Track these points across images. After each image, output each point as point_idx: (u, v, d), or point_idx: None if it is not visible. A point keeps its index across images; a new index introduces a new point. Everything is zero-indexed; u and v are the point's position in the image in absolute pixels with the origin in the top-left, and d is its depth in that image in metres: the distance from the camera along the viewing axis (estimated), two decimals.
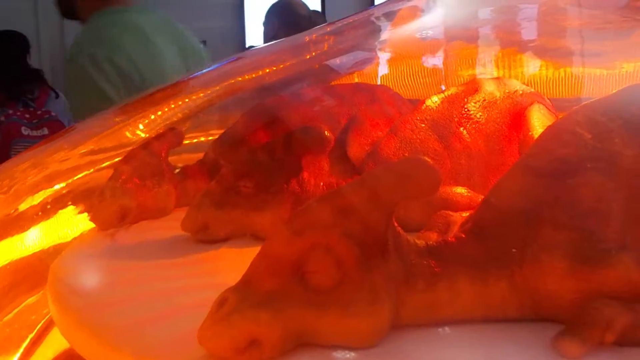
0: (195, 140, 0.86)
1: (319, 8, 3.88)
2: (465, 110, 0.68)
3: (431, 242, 0.41)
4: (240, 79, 0.81)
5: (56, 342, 0.61)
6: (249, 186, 0.60)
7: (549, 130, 0.45)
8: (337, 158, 0.67)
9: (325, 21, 2.50)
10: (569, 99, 0.84)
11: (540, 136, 0.45)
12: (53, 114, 2.81)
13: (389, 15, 0.82)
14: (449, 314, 0.39)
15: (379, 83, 0.89)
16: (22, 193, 0.72)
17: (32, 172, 0.75)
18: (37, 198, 0.71)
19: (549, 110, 0.74)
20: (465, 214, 0.50)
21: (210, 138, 0.84)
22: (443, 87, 0.77)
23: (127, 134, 0.79)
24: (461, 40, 0.83)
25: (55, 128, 2.68)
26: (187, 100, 0.82)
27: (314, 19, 2.42)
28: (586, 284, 0.38)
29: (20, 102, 2.80)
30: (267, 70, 0.83)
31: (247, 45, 3.93)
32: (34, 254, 0.69)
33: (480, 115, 0.68)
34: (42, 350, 0.62)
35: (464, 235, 0.42)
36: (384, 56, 0.87)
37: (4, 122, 2.70)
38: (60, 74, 3.61)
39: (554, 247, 0.39)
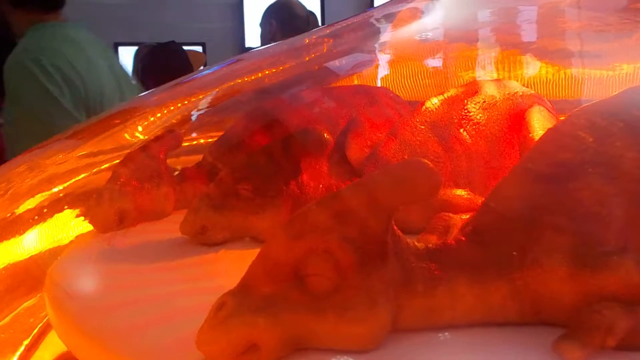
0: (194, 143, 0.85)
1: (318, 10, 3.88)
2: (465, 111, 0.67)
3: (431, 245, 0.41)
4: (239, 80, 0.81)
5: (53, 345, 0.61)
6: (247, 189, 0.60)
7: (549, 134, 0.45)
8: (336, 160, 0.67)
9: (317, 22, 2.50)
10: (569, 100, 0.84)
11: (540, 139, 0.45)
12: None
13: (389, 17, 0.82)
14: (449, 318, 0.39)
15: (378, 85, 0.88)
16: (18, 196, 0.72)
17: (29, 175, 0.75)
18: (34, 201, 0.71)
19: (549, 112, 0.73)
20: (465, 217, 0.50)
21: (209, 140, 0.84)
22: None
23: (126, 136, 0.79)
24: (461, 42, 0.83)
25: None
26: (186, 102, 0.82)
27: (311, 19, 2.41)
28: (587, 287, 0.38)
29: None
30: (267, 72, 0.82)
31: (246, 47, 3.93)
32: (31, 257, 0.68)
33: (481, 117, 0.68)
34: (40, 353, 0.62)
35: (463, 239, 0.41)
36: (383, 58, 0.87)
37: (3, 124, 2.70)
38: None
39: (554, 250, 0.39)
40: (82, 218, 0.69)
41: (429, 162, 0.38)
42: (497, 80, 0.77)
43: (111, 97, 1.67)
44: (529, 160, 0.43)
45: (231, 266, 0.48)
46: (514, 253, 0.40)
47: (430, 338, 0.39)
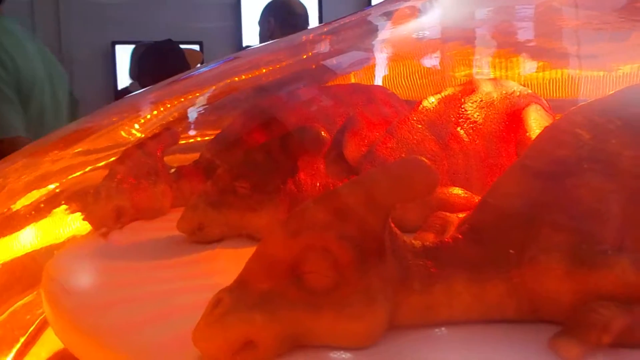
0: (191, 141, 0.85)
1: (315, 8, 3.88)
2: (463, 110, 0.67)
3: (428, 243, 0.41)
4: (237, 78, 0.81)
5: (50, 342, 0.61)
6: (245, 187, 0.60)
7: (546, 131, 0.45)
8: (333, 158, 0.67)
9: (309, 21, 2.49)
10: (566, 99, 0.84)
11: (537, 137, 0.45)
12: None
13: (386, 16, 0.82)
14: (446, 315, 0.39)
15: (376, 83, 0.88)
16: (15, 193, 0.72)
17: (25, 172, 0.75)
18: (31, 198, 0.71)
19: (546, 111, 0.73)
20: (462, 215, 0.50)
21: (206, 138, 0.83)
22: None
23: (122, 133, 0.79)
24: (458, 41, 0.83)
25: None
26: (182, 99, 0.82)
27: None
28: (584, 285, 0.38)
29: None
30: (264, 71, 0.82)
31: (243, 46, 3.93)
32: (28, 254, 0.68)
33: (478, 116, 0.68)
34: (36, 350, 0.62)
35: (460, 236, 0.41)
36: (380, 56, 0.87)
37: None
38: None
39: (551, 248, 0.39)
40: (78, 215, 0.69)
41: (427, 160, 0.38)
42: (495, 79, 0.77)
43: (42, 83, 1.85)
44: (527, 158, 0.43)
45: (228, 264, 0.48)
46: (511, 251, 0.40)
47: (427, 334, 0.39)
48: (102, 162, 0.76)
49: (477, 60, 0.83)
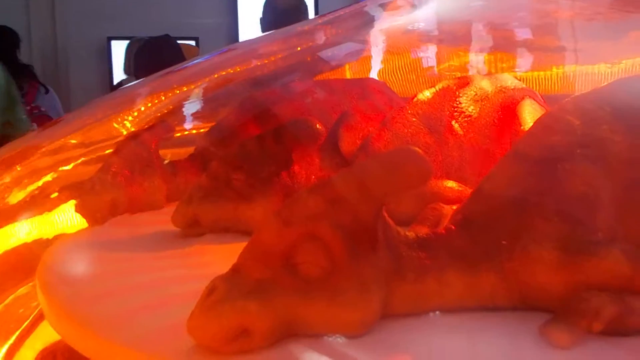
0: (186, 133, 0.85)
1: (312, 2, 3.87)
2: (457, 103, 0.67)
3: (421, 234, 0.41)
4: (231, 70, 0.81)
5: (44, 335, 0.61)
6: (239, 178, 0.60)
7: (539, 120, 0.45)
8: (328, 152, 0.67)
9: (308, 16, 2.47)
10: (561, 94, 0.84)
11: (532, 125, 0.45)
12: (43, 109, 2.78)
13: (382, 7, 0.82)
14: (439, 303, 0.39)
15: (371, 77, 0.88)
16: (10, 185, 0.72)
17: (21, 164, 0.74)
18: (26, 190, 0.71)
19: (541, 105, 0.74)
20: (456, 207, 0.50)
21: (201, 130, 0.83)
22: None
23: (115, 125, 0.79)
24: (452, 33, 0.83)
25: (45, 123, 2.65)
26: (177, 92, 0.82)
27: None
28: (575, 276, 0.38)
29: None
30: (259, 63, 0.82)
31: (240, 42, 3.92)
32: (21, 246, 0.68)
33: (472, 109, 0.68)
34: (30, 342, 0.61)
35: (453, 227, 0.42)
36: (375, 49, 0.87)
37: None
38: (50, 69, 3.59)
39: (543, 239, 0.39)
40: (73, 207, 0.69)
41: (420, 150, 0.38)
42: (489, 73, 0.77)
43: None
44: (520, 145, 0.44)
45: (223, 255, 0.48)
46: (504, 242, 0.40)
47: (420, 322, 0.39)
48: (96, 154, 0.76)
49: (470, 52, 0.83)
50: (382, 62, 0.87)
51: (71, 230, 0.69)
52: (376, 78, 0.87)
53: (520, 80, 0.78)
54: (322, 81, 0.85)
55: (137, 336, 0.40)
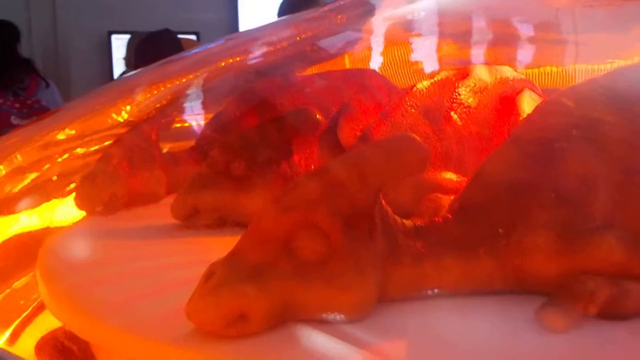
0: (186, 125, 0.85)
1: None
2: (456, 95, 0.68)
3: (418, 223, 0.42)
4: (231, 60, 0.81)
5: (45, 323, 0.61)
6: (239, 167, 0.60)
7: (536, 107, 0.45)
8: (327, 143, 0.67)
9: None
10: (559, 89, 0.84)
11: (529, 113, 0.45)
12: (43, 103, 2.79)
13: None
14: (436, 287, 0.39)
15: (369, 68, 0.88)
16: (11, 175, 0.72)
17: (21, 154, 0.75)
18: (26, 180, 0.71)
19: (540, 96, 0.74)
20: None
21: (201, 123, 0.83)
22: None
23: (114, 116, 0.79)
24: (452, 24, 0.83)
25: None
26: (177, 82, 0.82)
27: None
28: (571, 263, 0.39)
29: (10, 91, 2.77)
30: (258, 53, 0.82)
31: None
32: (21, 236, 0.68)
33: (471, 100, 0.68)
34: (31, 330, 0.62)
35: (450, 216, 0.42)
36: (375, 39, 0.87)
37: None
38: (51, 64, 3.59)
39: (539, 226, 0.39)
40: (73, 199, 0.69)
41: (417, 137, 0.38)
42: (489, 64, 0.77)
43: None
44: (518, 130, 0.44)
45: (222, 241, 0.48)
46: (500, 230, 0.40)
47: (417, 306, 0.39)
48: (94, 144, 0.76)
49: (471, 44, 0.83)
50: (381, 52, 0.87)
51: (71, 221, 0.69)
52: (375, 69, 0.87)
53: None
54: (321, 73, 0.85)
55: (136, 321, 0.41)
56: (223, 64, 0.81)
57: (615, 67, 0.48)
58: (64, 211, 0.71)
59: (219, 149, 0.61)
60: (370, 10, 0.84)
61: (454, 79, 0.69)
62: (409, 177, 0.40)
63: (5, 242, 0.68)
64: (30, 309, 0.65)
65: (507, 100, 0.71)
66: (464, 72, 0.70)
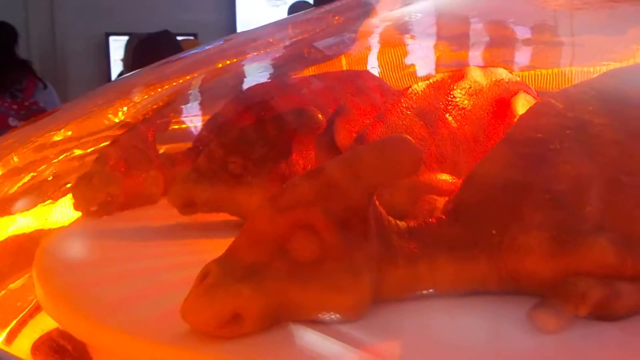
0: (184, 126, 0.86)
1: None
2: (452, 97, 0.68)
3: (412, 224, 0.42)
4: (228, 62, 0.81)
5: (41, 324, 0.61)
6: (237, 162, 0.60)
7: (529, 109, 0.46)
8: (324, 145, 0.67)
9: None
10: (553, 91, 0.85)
11: (521, 115, 0.46)
12: (41, 105, 2.78)
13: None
14: (430, 288, 0.40)
15: (367, 69, 0.89)
16: (7, 176, 0.72)
17: (17, 155, 0.75)
18: (22, 181, 0.71)
19: (535, 99, 0.74)
20: None
21: (199, 125, 0.84)
22: None
23: (111, 117, 0.79)
24: (448, 26, 0.83)
25: None
26: (174, 84, 0.82)
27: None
28: (563, 264, 0.39)
29: (8, 93, 2.77)
30: (255, 54, 0.82)
31: None
32: (17, 237, 0.68)
33: (467, 102, 0.68)
34: (27, 331, 0.62)
35: (444, 217, 0.42)
36: (372, 40, 0.87)
37: None
38: (49, 65, 3.59)
39: (532, 227, 0.40)
40: (71, 199, 0.69)
41: (411, 138, 0.38)
42: (484, 66, 0.77)
43: None
44: (510, 131, 0.44)
45: (218, 243, 0.49)
46: (494, 232, 0.41)
47: (411, 307, 0.39)
48: (92, 146, 0.76)
49: (468, 46, 0.84)
50: (377, 53, 0.87)
51: (68, 222, 0.69)
52: (370, 70, 0.87)
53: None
54: (317, 75, 0.85)
55: (133, 322, 0.41)
56: (220, 65, 0.81)
57: (607, 70, 0.48)
58: (61, 212, 0.71)
59: (217, 143, 0.61)
60: (367, 12, 0.84)
61: (449, 80, 0.69)
62: (404, 179, 0.40)
63: (1, 242, 0.68)
64: (26, 310, 0.65)
65: (502, 103, 0.71)
66: (459, 74, 0.70)
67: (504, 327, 0.38)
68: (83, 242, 0.59)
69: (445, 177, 0.64)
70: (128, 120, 0.79)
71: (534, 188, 0.40)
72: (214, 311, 0.36)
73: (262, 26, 0.88)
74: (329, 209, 0.37)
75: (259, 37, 0.84)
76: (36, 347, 0.53)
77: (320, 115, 0.61)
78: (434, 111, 0.66)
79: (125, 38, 3.28)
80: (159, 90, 0.81)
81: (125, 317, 0.41)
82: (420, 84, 0.68)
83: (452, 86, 0.69)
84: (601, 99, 0.42)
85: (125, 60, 3.22)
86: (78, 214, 0.68)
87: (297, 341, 0.37)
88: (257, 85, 0.81)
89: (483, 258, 0.40)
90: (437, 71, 0.71)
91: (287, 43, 0.84)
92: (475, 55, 0.84)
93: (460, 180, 0.63)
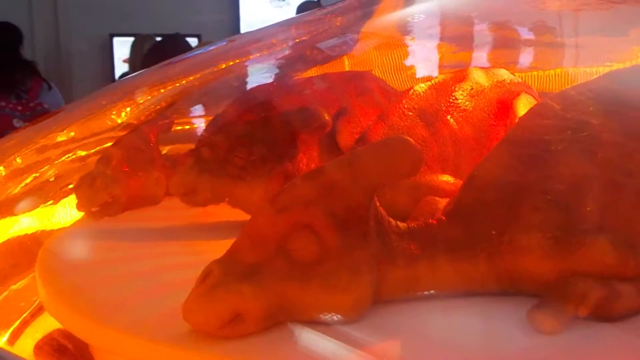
0: (187, 127, 0.86)
1: None
2: (453, 98, 0.68)
3: (412, 225, 0.42)
4: (231, 63, 0.81)
5: (44, 325, 0.61)
6: (241, 157, 0.60)
7: (528, 110, 0.46)
8: (326, 145, 0.68)
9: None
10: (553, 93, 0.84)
11: (520, 116, 0.46)
12: (46, 106, 2.79)
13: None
14: (429, 288, 0.40)
15: (367, 70, 0.89)
16: (10, 177, 0.72)
17: (20, 156, 0.75)
18: (25, 181, 0.71)
19: (536, 100, 0.74)
20: None
21: (202, 125, 0.84)
22: None
23: (114, 117, 0.79)
24: (451, 27, 0.83)
25: None
26: (177, 85, 0.82)
27: None
28: (563, 265, 0.39)
29: (13, 94, 2.78)
30: (258, 55, 0.83)
31: None
32: (20, 238, 0.69)
33: (468, 104, 0.68)
34: (30, 331, 0.62)
35: (444, 218, 0.42)
36: (374, 42, 0.87)
37: None
38: (53, 66, 3.60)
39: (532, 228, 0.40)
40: (74, 200, 0.69)
41: (411, 139, 0.38)
42: (486, 67, 0.77)
43: None
44: (510, 132, 0.44)
45: (220, 243, 0.49)
46: (493, 232, 0.41)
47: (411, 307, 0.40)
48: (95, 147, 0.76)
49: (466, 49, 0.84)
50: (380, 55, 0.87)
51: (71, 223, 0.69)
52: (373, 71, 0.87)
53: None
54: (320, 76, 0.86)
55: (135, 322, 0.41)
56: (224, 66, 0.81)
57: (605, 71, 0.48)
58: (63, 212, 0.71)
59: (223, 135, 0.61)
60: (369, 13, 0.84)
61: (451, 82, 0.69)
62: (405, 180, 0.41)
63: (4, 243, 0.68)
64: (29, 311, 0.66)
65: (504, 104, 0.71)
66: (461, 75, 0.71)
67: (504, 327, 0.38)
68: (85, 243, 0.60)
69: (446, 178, 0.64)
70: (131, 121, 0.79)
71: (534, 189, 0.40)
72: (215, 311, 0.36)
73: (266, 27, 0.88)
74: (330, 209, 0.37)
75: (262, 38, 0.84)
76: (39, 348, 0.53)
77: (327, 115, 0.61)
78: (435, 112, 0.66)
79: (129, 39, 3.29)
80: (162, 91, 0.81)
81: (127, 317, 0.42)
82: (421, 85, 0.68)
83: (453, 87, 0.69)
84: (600, 100, 0.42)
85: (131, 61, 3.23)
86: (80, 214, 0.69)
87: (297, 341, 0.37)
88: (259, 86, 0.82)
89: (483, 258, 0.41)
90: (439, 72, 0.71)
91: (290, 44, 0.84)
92: (477, 57, 0.84)
93: (461, 181, 0.63)
